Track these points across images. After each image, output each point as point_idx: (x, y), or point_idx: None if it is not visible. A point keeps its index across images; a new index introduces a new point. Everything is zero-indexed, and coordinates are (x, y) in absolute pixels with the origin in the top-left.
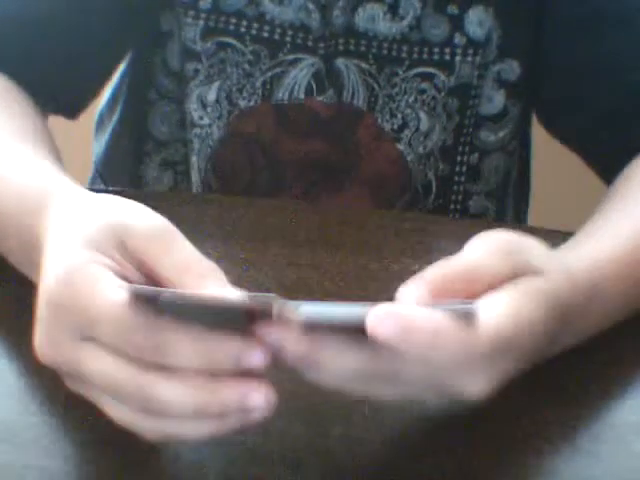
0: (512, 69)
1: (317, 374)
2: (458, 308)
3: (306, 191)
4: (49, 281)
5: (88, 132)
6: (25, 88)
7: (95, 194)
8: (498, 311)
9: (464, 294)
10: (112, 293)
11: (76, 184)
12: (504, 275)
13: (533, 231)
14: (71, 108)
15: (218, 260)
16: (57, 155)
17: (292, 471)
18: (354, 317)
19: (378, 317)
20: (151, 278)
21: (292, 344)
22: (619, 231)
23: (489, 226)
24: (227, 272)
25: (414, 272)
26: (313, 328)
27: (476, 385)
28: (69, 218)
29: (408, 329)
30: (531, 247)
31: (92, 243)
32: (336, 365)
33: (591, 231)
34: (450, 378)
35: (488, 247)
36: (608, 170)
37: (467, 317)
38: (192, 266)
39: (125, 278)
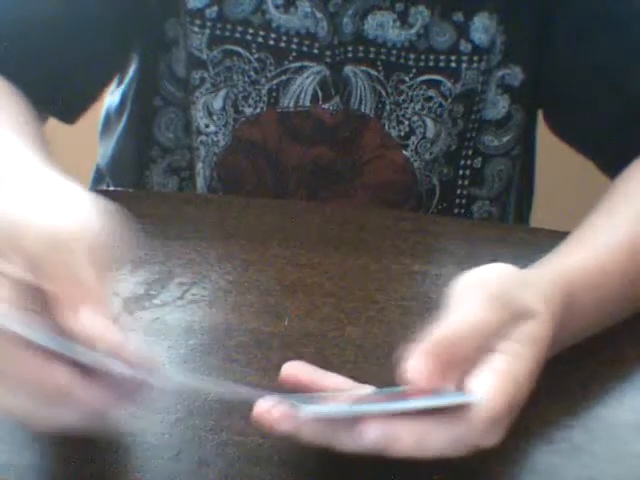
0: (515, 75)
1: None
2: (455, 401)
3: (311, 197)
4: None
5: (93, 133)
6: (23, 91)
7: (42, 180)
8: (492, 391)
9: (470, 354)
10: None
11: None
12: (504, 326)
13: (534, 232)
14: (69, 113)
15: (218, 260)
16: (45, 149)
17: (292, 471)
18: (352, 413)
19: (364, 426)
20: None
21: (307, 432)
22: (597, 242)
23: (490, 226)
24: (227, 272)
25: (414, 272)
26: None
27: (490, 440)
28: None
29: (390, 436)
30: (516, 287)
31: None
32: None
33: (574, 242)
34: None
35: (481, 302)
36: (613, 169)
37: (466, 406)
38: (77, 291)
39: (16, 276)
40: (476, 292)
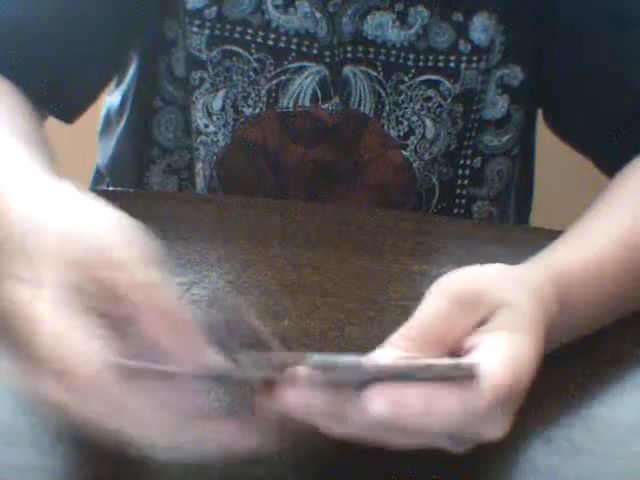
0: (515, 74)
1: (340, 427)
2: (457, 373)
3: (311, 197)
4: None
5: (93, 133)
6: (23, 91)
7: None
8: (494, 363)
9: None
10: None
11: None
12: (472, 324)
13: (534, 231)
14: (69, 112)
15: (218, 260)
16: (50, 155)
17: (292, 471)
18: (360, 365)
19: (371, 392)
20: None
21: (317, 399)
22: (594, 239)
23: (490, 226)
24: (227, 272)
25: (414, 272)
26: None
27: (494, 430)
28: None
29: (399, 403)
30: (489, 284)
31: (78, 265)
32: (358, 418)
33: (571, 236)
34: (464, 432)
35: (443, 304)
36: (612, 168)
37: (468, 378)
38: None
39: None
40: (440, 298)
